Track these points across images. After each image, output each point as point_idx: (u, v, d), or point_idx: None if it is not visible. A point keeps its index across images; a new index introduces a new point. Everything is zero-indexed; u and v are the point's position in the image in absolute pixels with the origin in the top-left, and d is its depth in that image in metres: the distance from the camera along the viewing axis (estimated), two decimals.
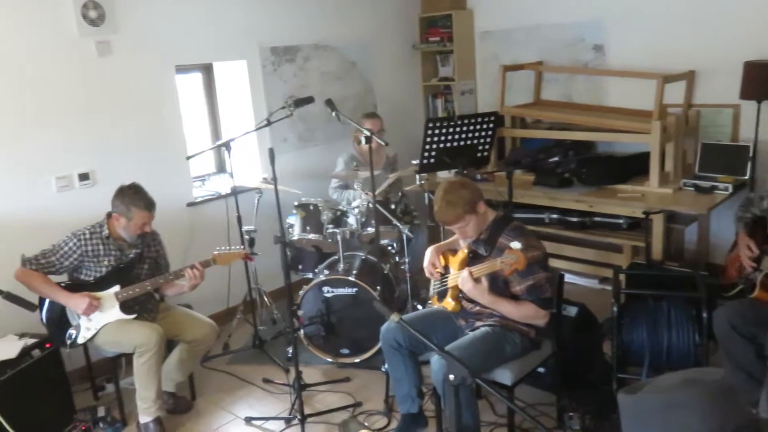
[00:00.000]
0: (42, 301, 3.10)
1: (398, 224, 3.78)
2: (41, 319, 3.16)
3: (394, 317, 1.93)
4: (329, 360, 3.76)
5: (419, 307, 3.94)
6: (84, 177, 3.70)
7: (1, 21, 3.33)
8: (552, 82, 5.20)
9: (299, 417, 3.09)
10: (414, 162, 3.91)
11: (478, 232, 2.71)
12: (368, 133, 3.31)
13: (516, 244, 2.50)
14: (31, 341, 3.14)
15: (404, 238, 3.85)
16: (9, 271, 3.02)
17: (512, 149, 5.10)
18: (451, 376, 1.78)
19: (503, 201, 3.79)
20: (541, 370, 3.02)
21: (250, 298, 4.10)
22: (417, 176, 3.94)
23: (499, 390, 2.14)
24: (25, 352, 3.07)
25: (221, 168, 4.70)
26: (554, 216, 4.57)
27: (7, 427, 2.83)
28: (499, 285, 2.65)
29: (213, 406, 3.46)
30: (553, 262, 4.18)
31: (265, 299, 4.27)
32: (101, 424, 3.26)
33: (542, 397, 3.15)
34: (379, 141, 3.39)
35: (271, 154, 3.03)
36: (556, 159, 4.60)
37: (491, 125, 3.74)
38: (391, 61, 5.51)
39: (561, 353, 2.94)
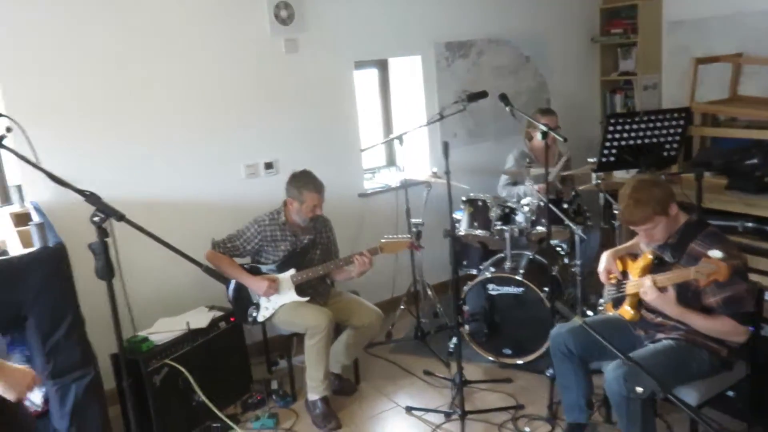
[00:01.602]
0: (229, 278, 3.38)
1: (570, 224, 3.62)
2: (227, 296, 3.45)
3: (577, 319, 1.84)
4: (491, 359, 3.70)
5: (589, 312, 3.75)
6: (269, 166, 3.98)
7: (205, 21, 3.67)
8: (752, 75, 4.67)
9: (460, 412, 3.07)
10: (590, 160, 3.71)
11: (666, 235, 2.49)
12: (544, 129, 3.19)
13: (716, 253, 2.26)
14: (218, 314, 3.43)
15: (576, 239, 3.67)
16: (202, 247, 3.32)
17: (701, 149, 4.66)
18: (639, 389, 1.65)
19: (691, 205, 3.46)
20: (730, 393, 2.72)
21: (414, 289, 4.16)
22: (593, 175, 3.74)
23: (693, 408, 1.95)
24: (214, 323, 3.37)
25: (391, 161, 4.81)
26: (750, 224, 4.09)
27: (196, 387, 3.13)
28: (687, 295, 2.42)
29: (375, 392, 3.55)
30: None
31: (429, 292, 4.30)
32: (274, 397, 3.48)
33: (730, 423, 2.84)
34: (556, 136, 3.25)
35: (446, 147, 3.02)
36: (754, 161, 4.13)
37: (681, 122, 3.43)
38: (566, 55, 5.29)
39: (756, 377, 2.62)
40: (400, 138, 3.91)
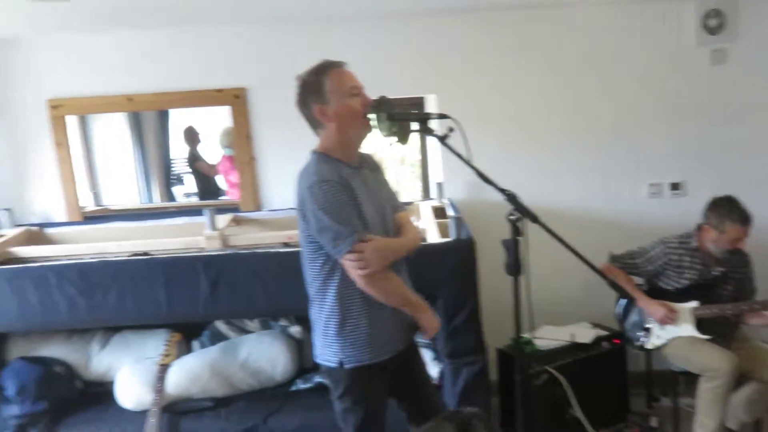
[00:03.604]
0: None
1: None
2: (615, 315, 3.32)
3: None
4: None
5: None
6: (675, 186, 3.69)
7: (624, 34, 3.58)
8: None
9: None
10: None
11: None
12: None
13: None
14: (602, 333, 3.33)
15: None
16: (595, 261, 3.24)
17: None
18: None
19: None
20: None
21: None
22: None
23: None
24: (597, 341, 3.27)
25: None
26: None
27: (573, 401, 3.08)
28: None
29: None
30: None
31: None
32: None
33: None
34: None
35: None
36: None
37: None
38: None
39: None
40: None
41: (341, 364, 2.15)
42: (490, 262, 2.71)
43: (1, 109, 3.55)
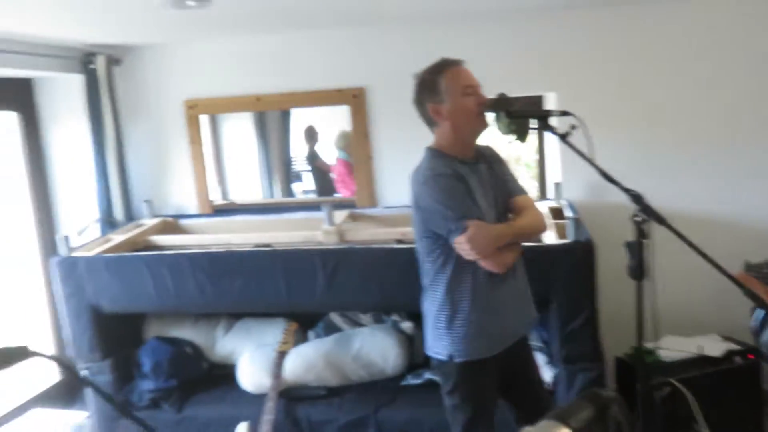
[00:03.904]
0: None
1: None
2: (750, 328, 3.07)
3: None
4: None
5: None
6: None
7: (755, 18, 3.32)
8: None
9: None
10: None
11: None
12: None
13: None
14: (734, 347, 3.09)
15: None
16: (728, 270, 3.03)
17: None
18: None
19: None
20: None
21: None
22: None
23: None
24: (728, 355, 3.04)
25: None
26: None
27: (700, 419, 2.88)
28: None
29: None
30: None
31: None
32: None
33: None
34: None
35: None
36: None
37: None
38: None
39: None
40: None
41: (451, 357, 2.16)
42: (611, 266, 2.60)
43: (144, 110, 3.87)
